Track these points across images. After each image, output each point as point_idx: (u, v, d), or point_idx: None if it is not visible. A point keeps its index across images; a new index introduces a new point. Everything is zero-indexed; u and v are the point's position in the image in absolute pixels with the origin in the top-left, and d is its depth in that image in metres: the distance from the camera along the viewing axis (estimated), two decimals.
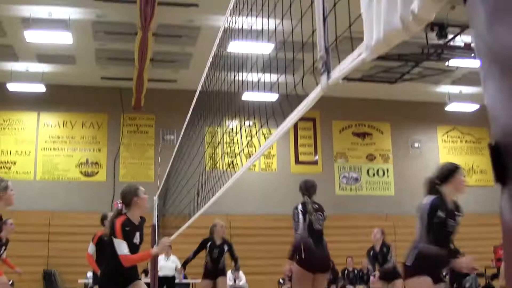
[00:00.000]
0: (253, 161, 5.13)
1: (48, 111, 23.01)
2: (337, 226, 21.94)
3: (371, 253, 14.34)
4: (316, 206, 9.33)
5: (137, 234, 7.47)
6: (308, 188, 9.65)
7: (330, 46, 2.71)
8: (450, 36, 17.57)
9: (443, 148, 25.95)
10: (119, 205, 7.41)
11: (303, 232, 9.10)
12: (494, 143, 1.10)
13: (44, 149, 22.70)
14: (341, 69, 2.48)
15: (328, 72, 2.62)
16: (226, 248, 12.64)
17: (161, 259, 17.09)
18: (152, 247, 14.08)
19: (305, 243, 8.84)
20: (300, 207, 9.35)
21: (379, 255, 14.07)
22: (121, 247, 7.11)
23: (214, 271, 12.33)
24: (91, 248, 12.22)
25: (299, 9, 3.92)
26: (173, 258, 17.39)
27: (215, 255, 12.34)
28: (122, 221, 7.31)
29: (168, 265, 17.30)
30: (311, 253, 8.73)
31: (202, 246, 12.56)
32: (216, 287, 12.43)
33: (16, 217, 20.88)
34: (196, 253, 12.91)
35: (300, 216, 9.09)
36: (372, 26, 1.97)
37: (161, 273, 16.85)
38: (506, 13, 1.06)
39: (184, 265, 13.97)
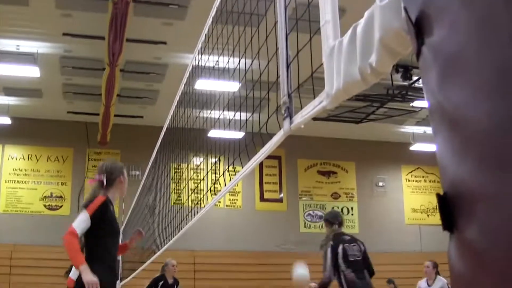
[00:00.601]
0: (217, 199, 5.16)
1: (13, 144, 22.81)
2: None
3: None
4: (348, 237, 8.87)
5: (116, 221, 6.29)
6: (337, 217, 9.18)
7: (293, 92, 2.78)
8: (414, 78, 17.80)
9: (407, 187, 26.16)
10: (104, 180, 5.98)
11: (330, 272, 8.51)
12: (443, 193, 1.17)
13: (8, 182, 22.47)
14: (303, 115, 2.55)
15: (291, 117, 2.68)
16: (176, 286, 12.45)
17: None
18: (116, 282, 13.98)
19: (347, 276, 8.33)
20: (331, 242, 8.84)
21: None
22: (81, 223, 5.97)
23: None
24: (74, 274, 10.75)
25: (265, 49, 3.99)
26: None
27: None
28: (104, 199, 6.08)
29: None
30: (354, 286, 8.22)
31: (154, 285, 12.32)
32: None
33: None
34: None
35: (329, 254, 8.58)
36: (333, 76, 2.05)
37: None
38: (456, 73, 1.12)
39: None
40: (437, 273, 10.44)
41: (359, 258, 8.38)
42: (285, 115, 2.70)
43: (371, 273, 8.63)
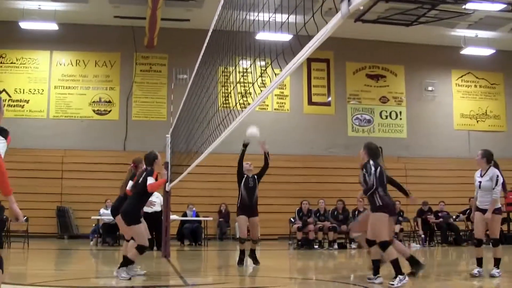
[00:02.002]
0: (266, 94, 5.04)
1: (61, 50, 22.98)
2: (349, 167, 21.96)
3: None
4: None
5: None
6: (377, 151, 9.40)
7: None
8: None
9: (457, 92, 25.79)
10: None
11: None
12: None
13: (57, 88, 22.73)
14: None
15: None
16: (256, 177, 12.71)
17: None
18: (165, 183, 14.16)
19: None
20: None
21: None
22: (2, 149, 5.71)
23: (249, 208, 12.29)
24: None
25: None
26: (157, 194, 16.55)
27: (250, 184, 12.38)
28: None
29: (154, 201, 16.57)
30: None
31: (240, 176, 12.61)
32: (249, 225, 12.41)
33: (30, 155, 21.14)
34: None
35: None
36: None
37: (149, 209, 16.55)
38: None
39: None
40: (491, 163, 10.10)
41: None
42: None
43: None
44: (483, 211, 9.58)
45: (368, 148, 9.17)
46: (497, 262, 9.52)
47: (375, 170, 8.81)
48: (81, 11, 21.38)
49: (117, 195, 10.69)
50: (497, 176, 9.80)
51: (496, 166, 10.07)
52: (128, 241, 10.13)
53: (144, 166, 10.03)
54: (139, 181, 9.71)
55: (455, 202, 21.47)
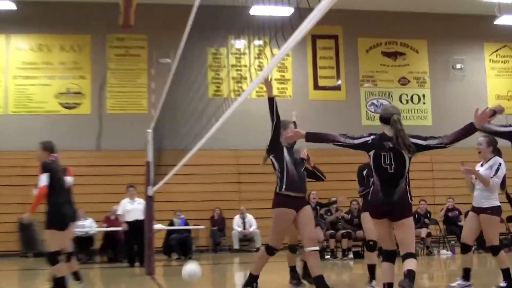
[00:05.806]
0: (262, 77, 5.10)
1: (19, 33, 22.98)
2: (364, 162, 22.07)
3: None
4: None
5: None
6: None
7: None
8: None
9: (491, 70, 25.83)
10: None
11: None
12: None
13: (16, 78, 22.73)
14: None
15: None
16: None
17: (126, 202, 17.35)
18: (147, 187, 14.32)
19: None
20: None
21: None
22: None
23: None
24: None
25: None
26: (139, 200, 17.12)
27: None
28: None
29: (136, 207, 17.15)
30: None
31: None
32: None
33: None
34: None
35: None
36: None
37: (129, 218, 17.12)
38: None
39: None
40: (496, 153, 10.07)
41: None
42: None
43: None
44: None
45: None
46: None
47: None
48: None
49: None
50: (499, 164, 9.86)
51: (499, 155, 10.17)
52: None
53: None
54: None
55: None
